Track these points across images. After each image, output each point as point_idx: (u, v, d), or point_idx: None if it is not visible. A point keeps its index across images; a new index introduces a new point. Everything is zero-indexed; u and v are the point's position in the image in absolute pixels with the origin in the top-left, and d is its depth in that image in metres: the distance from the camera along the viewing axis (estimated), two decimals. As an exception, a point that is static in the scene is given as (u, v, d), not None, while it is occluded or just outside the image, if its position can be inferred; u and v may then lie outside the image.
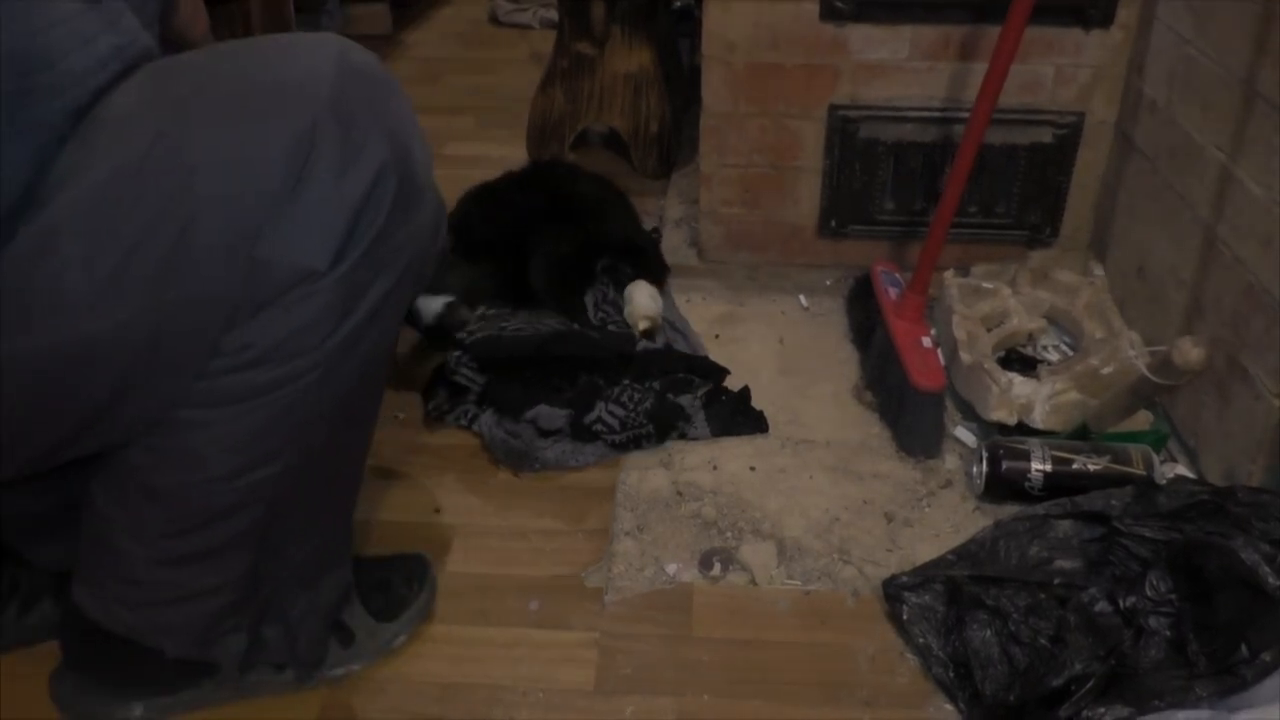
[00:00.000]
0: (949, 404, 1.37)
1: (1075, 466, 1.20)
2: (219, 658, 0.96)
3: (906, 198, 1.57)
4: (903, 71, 1.49)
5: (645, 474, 1.29)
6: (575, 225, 1.59)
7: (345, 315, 0.74)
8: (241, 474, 0.81)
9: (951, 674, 1.02)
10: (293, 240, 0.68)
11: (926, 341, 1.35)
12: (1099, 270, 1.54)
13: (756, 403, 1.39)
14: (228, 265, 0.68)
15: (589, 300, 1.55)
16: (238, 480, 0.82)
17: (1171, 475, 1.22)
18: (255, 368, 0.73)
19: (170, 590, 0.89)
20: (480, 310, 1.45)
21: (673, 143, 1.98)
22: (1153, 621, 0.99)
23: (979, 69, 1.37)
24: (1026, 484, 1.21)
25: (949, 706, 1.01)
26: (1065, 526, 1.12)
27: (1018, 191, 1.55)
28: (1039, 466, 1.20)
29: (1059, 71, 1.47)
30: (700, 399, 1.38)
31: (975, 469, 1.24)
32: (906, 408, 1.32)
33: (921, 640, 1.05)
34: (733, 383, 1.43)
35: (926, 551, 1.16)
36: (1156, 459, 1.21)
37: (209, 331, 0.71)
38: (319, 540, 0.95)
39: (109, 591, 0.91)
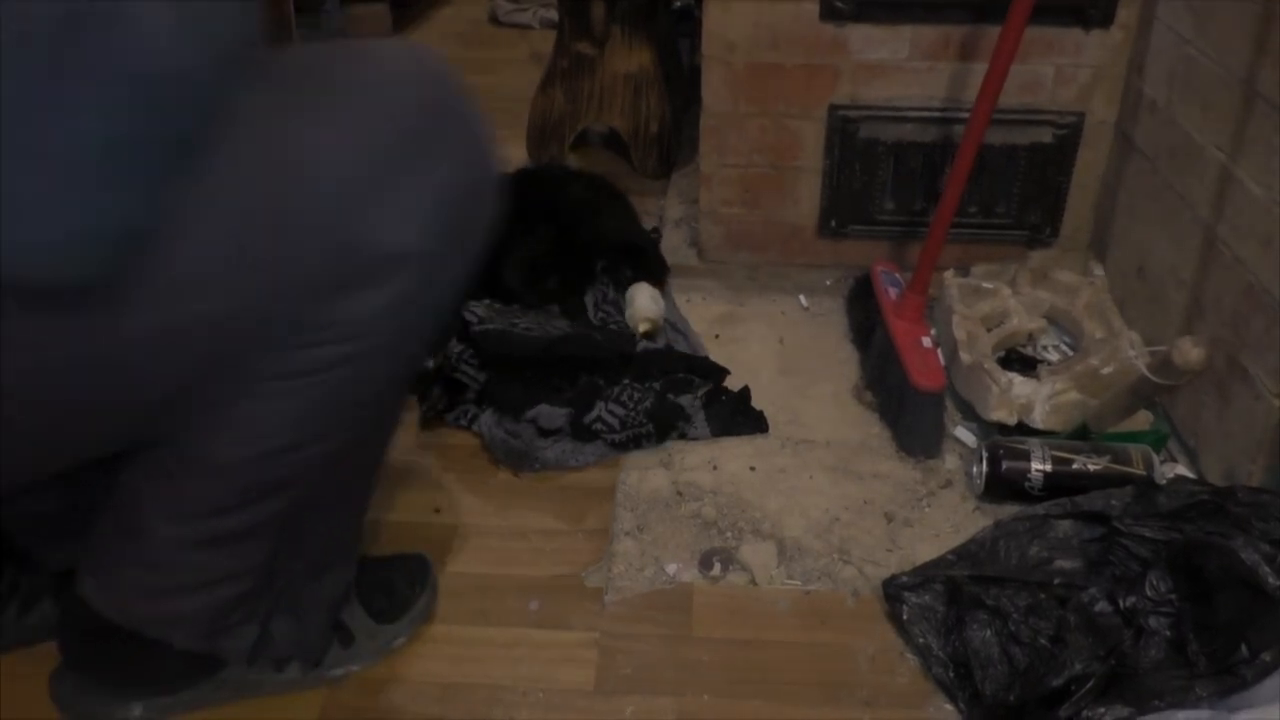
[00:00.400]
0: (949, 404, 1.37)
1: (1075, 466, 1.20)
2: (225, 650, 0.96)
3: (906, 198, 1.57)
4: (903, 71, 1.49)
5: (645, 474, 1.29)
6: (560, 228, 1.58)
7: (421, 297, 0.77)
8: (298, 448, 0.82)
9: (951, 674, 1.02)
10: (388, 226, 0.72)
11: (926, 341, 1.35)
12: (1099, 270, 1.54)
13: (756, 403, 1.39)
14: (327, 249, 0.71)
15: (589, 300, 1.55)
16: (294, 455, 0.82)
17: (1171, 475, 1.22)
18: (333, 343, 0.76)
19: (192, 575, 0.89)
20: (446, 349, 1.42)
21: (673, 143, 1.98)
22: (1153, 621, 0.99)
23: (979, 69, 1.37)
24: (1026, 484, 1.21)
25: (949, 706, 1.01)
26: (1065, 526, 1.12)
27: (1018, 191, 1.55)
28: (1039, 466, 1.20)
29: (1059, 71, 1.47)
30: (700, 399, 1.38)
31: (975, 469, 1.24)
32: (906, 408, 1.32)
33: (921, 640, 1.05)
34: (733, 383, 1.43)
35: (926, 551, 1.16)
36: (1156, 459, 1.21)
37: (301, 310, 0.73)
38: (339, 529, 0.96)
39: (125, 579, 0.91)
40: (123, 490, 0.87)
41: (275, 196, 0.69)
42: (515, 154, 2.03)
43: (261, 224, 0.69)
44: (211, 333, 0.72)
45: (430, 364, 1.38)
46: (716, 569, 1.16)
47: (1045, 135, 1.51)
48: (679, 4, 2.23)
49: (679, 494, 1.26)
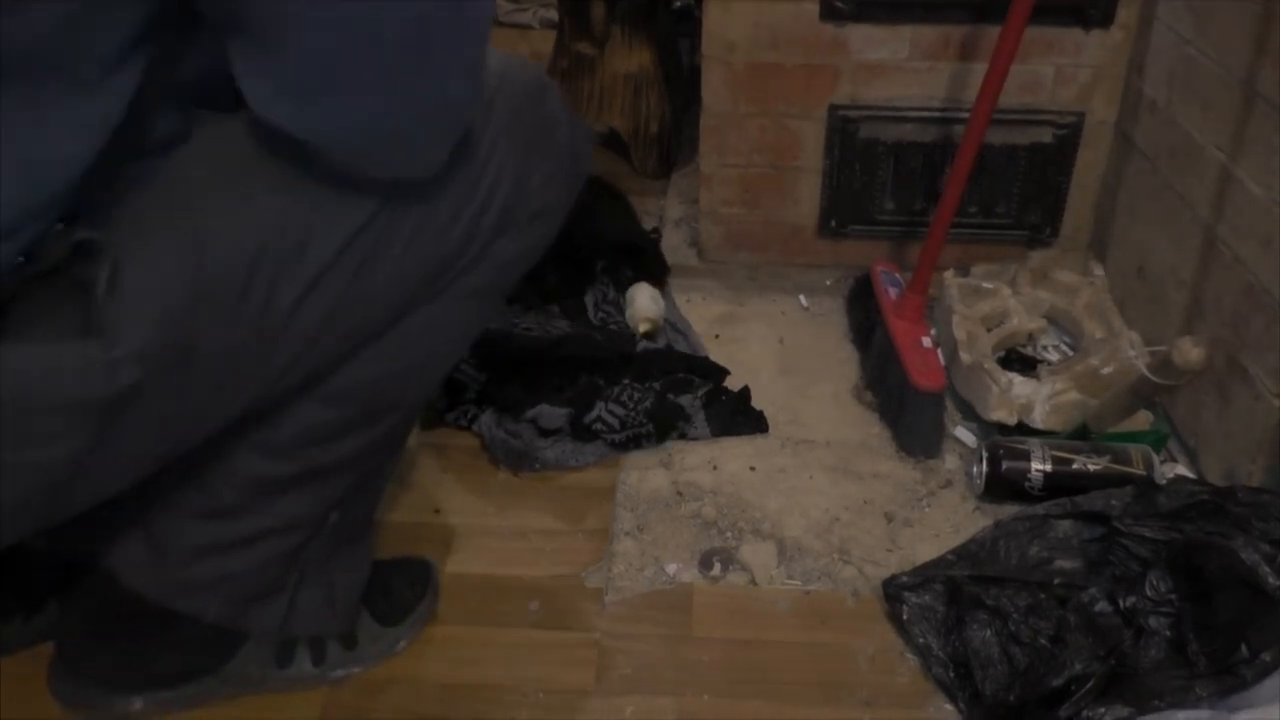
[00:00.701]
0: (949, 404, 1.37)
1: (1075, 466, 1.20)
2: (255, 623, 0.96)
3: (906, 198, 1.57)
4: (903, 71, 1.49)
5: (645, 474, 1.29)
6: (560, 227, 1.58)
7: (541, 246, 0.91)
8: (405, 378, 0.88)
9: (951, 674, 1.03)
10: (543, 185, 0.87)
11: (926, 341, 1.35)
12: (1099, 270, 1.54)
13: (756, 403, 1.39)
14: (513, 198, 0.85)
15: (589, 300, 1.55)
16: (400, 384, 0.88)
17: (1171, 475, 1.22)
18: (479, 274, 0.86)
19: (258, 523, 0.90)
20: None
21: (673, 143, 1.98)
22: (1153, 621, 0.99)
23: (979, 69, 1.37)
24: (1026, 484, 1.21)
25: (949, 706, 1.01)
26: (1065, 526, 1.12)
27: (1018, 191, 1.55)
28: (1039, 466, 1.20)
29: (1059, 71, 1.47)
30: (700, 399, 1.38)
31: (975, 469, 1.24)
32: (906, 408, 1.32)
33: (921, 640, 1.05)
34: (733, 383, 1.43)
35: (926, 551, 1.16)
36: (1156, 459, 1.21)
37: (480, 249, 0.85)
38: (377, 489, 1.01)
39: (181, 535, 0.91)
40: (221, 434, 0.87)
41: (489, 158, 0.82)
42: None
43: (471, 180, 0.81)
44: (431, 269, 0.82)
45: None
46: (716, 569, 1.16)
47: (1045, 135, 1.51)
48: (679, 4, 2.23)
49: (679, 494, 1.26)
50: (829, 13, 1.45)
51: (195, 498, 0.89)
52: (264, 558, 0.92)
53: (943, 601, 1.07)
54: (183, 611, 0.93)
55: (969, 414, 1.36)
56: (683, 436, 1.34)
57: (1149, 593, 1.00)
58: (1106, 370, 1.30)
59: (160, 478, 0.88)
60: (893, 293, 1.43)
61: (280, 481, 0.88)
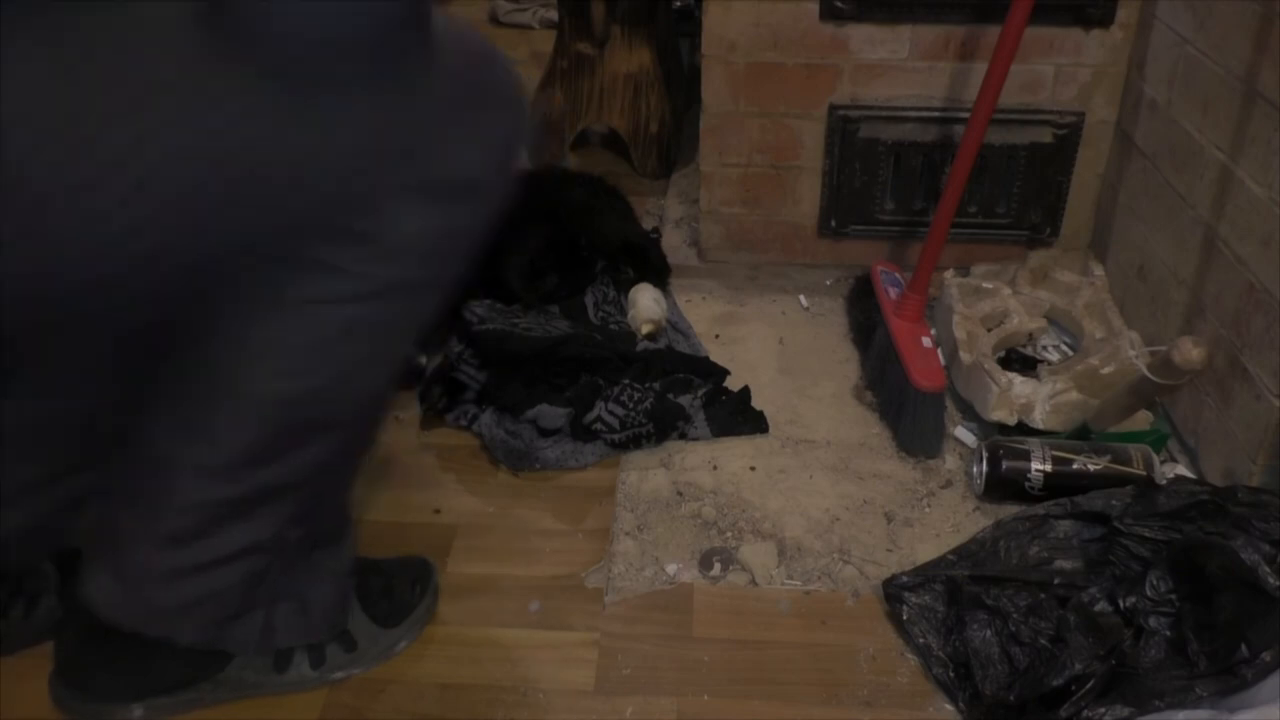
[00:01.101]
0: (949, 404, 1.37)
1: (1075, 466, 1.20)
2: (232, 642, 0.96)
3: (906, 198, 1.57)
4: (903, 71, 1.49)
5: (645, 474, 1.29)
6: (560, 228, 1.58)
7: (466, 231, 0.85)
8: (333, 388, 0.85)
9: (951, 674, 1.02)
10: (465, 148, 0.81)
11: (926, 341, 1.35)
12: (1099, 270, 1.54)
13: (756, 403, 1.39)
14: (417, 144, 0.79)
15: (589, 300, 1.55)
16: (329, 394, 0.85)
17: (1171, 475, 1.22)
18: (379, 261, 0.80)
19: (213, 548, 0.89)
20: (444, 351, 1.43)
21: (673, 143, 1.98)
22: (1153, 621, 0.99)
23: (979, 69, 1.37)
24: (1026, 484, 1.21)
25: (949, 706, 1.01)
26: (1065, 526, 1.12)
27: (1018, 191, 1.55)
28: (1039, 466, 1.20)
29: (1059, 71, 1.47)
30: (700, 399, 1.38)
31: (975, 469, 1.24)
32: (907, 408, 1.32)
33: (921, 640, 1.05)
34: (733, 383, 1.43)
35: (926, 551, 1.16)
36: (1156, 459, 1.21)
37: (371, 195, 0.79)
38: (342, 495, 0.99)
39: (141, 564, 0.90)
40: (143, 466, 0.86)
41: (388, 108, 0.78)
42: (515, 154, 2.02)
43: (376, 125, 0.77)
44: (297, 195, 0.76)
45: (425, 360, 1.37)
46: (716, 569, 1.16)
47: (1045, 135, 1.51)
48: (679, 4, 2.23)
49: (679, 494, 1.26)
50: (829, 13, 1.45)
51: (150, 525, 0.89)
52: (228, 581, 0.92)
53: (943, 601, 1.07)
54: (157, 637, 0.93)
55: (969, 414, 1.36)
56: (683, 436, 1.34)
57: (1149, 593, 1.00)
58: (1106, 370, 1.30)
59: (115, 508, 0.89)
60: (893, 292, 1.43)
61: (228, 504, 0.87)
